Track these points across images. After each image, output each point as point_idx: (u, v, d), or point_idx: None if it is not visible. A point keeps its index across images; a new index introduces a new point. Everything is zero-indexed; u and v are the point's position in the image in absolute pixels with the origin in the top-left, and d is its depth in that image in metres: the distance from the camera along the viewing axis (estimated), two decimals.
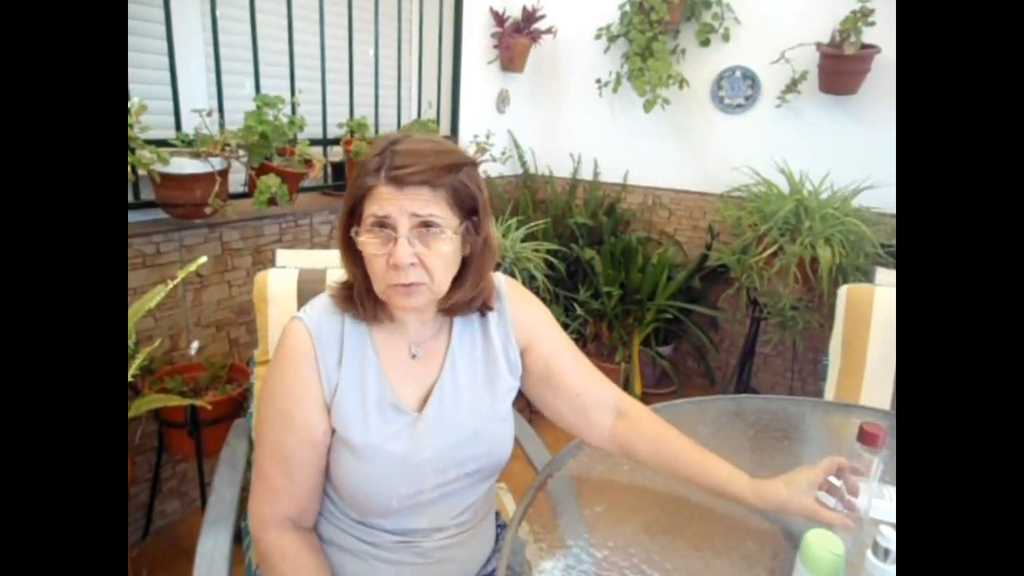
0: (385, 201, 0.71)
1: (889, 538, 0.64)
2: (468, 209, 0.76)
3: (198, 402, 1.34)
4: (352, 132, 1.95)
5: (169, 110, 1.53)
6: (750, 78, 2.45)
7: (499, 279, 0.90)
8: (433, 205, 0.72)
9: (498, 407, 0.86)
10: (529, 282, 2.18)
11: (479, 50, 2.53)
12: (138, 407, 1.25)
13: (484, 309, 0.86)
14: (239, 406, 1.54)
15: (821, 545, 0.65)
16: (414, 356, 0.83)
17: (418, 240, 0.72)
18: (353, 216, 0.75)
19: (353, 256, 0.78)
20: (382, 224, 0.72)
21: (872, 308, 1.40)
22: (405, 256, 0.71)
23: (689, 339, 2.74)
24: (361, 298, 0.79)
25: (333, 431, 0.79)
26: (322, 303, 0.82)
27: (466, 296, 0.81)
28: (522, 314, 0.89)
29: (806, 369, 2.54)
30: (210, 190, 1.45)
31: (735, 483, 0.80)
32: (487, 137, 2.38)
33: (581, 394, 0.89)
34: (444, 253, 0.74)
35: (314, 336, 0.78)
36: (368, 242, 0.73)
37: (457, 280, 0.79)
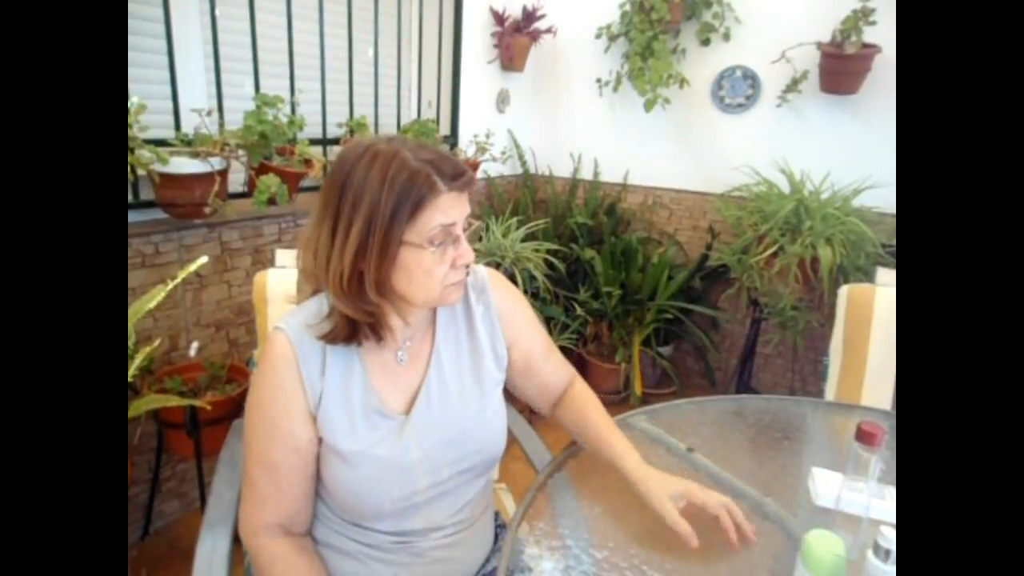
0: (451, 208, 0.72)
1: (890, 539, 0.64)
2: None
3: (197, 402, 1.34)
4: (352, 132, 1.94)
5: (168, 110, 1.53)
6: (751, 78, 2.45)
7: (481, 271, 0.91)
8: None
9: (487, 402, 0.86)
10: (529, 282, 2.18)
11: (479, 50, 2.53)
12: (138, 407, 1.24)
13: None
14: (238, 406, 1.54)
15: (822, 546, 0.65)
16: (400, 361, 0.83)
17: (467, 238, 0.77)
18: (391, 237, 0.69)
19: (369, 270, 0.71)
20: (446, 232, 0.73)
21: (873, 308, 1.40)
22: (471, 253, 0.76)
23: (689, 339, 2.74)
24: (378, 326, 0.77)
25: (320, 439, 0.78)
26: (304, 313, 0.79)
27: None
28: (508, 308, 0.90)
29: (807, 369, 2.54)
30: (209, 190, 1.45)
31: (624, 459, 0.85)
32: (487, 137, 2.37)
33: (550, 384, 0.97)
34: None
35: (295, 345, 0.77)
36: (430, 251, 0.72)
37: None
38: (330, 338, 0.76)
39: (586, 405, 0.96)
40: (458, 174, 0.72)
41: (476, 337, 0.87)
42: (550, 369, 0.97)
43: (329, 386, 0.78)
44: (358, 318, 0.74)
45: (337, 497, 0.79)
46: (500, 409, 0.88)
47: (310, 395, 0.77)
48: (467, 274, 0.79)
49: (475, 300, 0.88)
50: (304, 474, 0.79)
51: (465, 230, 0.76)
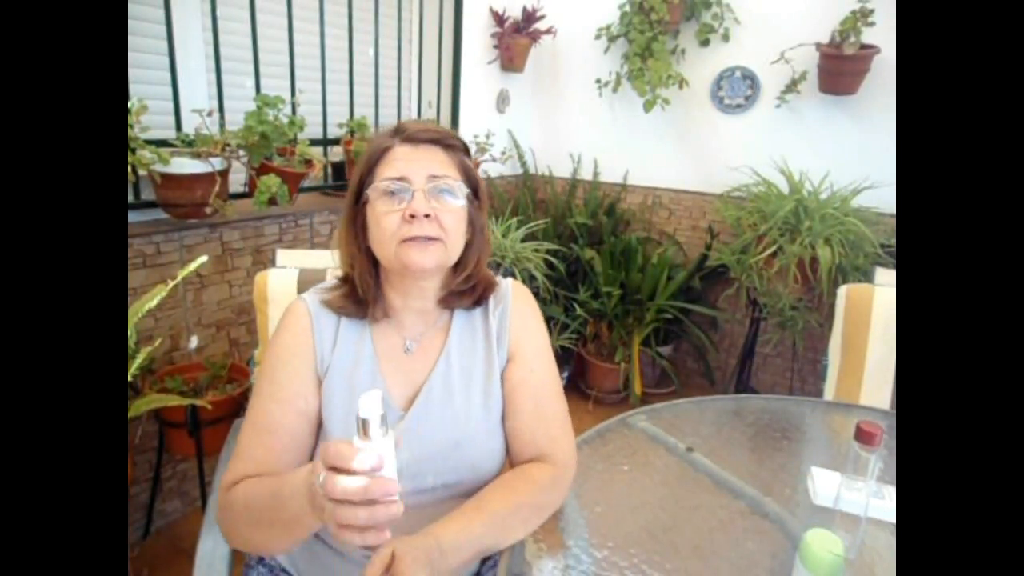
0: (401, 161, 0.75)
1: None
2: (472, 188, 0.81)
3: (198, 402, 1.34)
4: (352, 132, 1.95)
5: (169, 110, 1.53)
6: (750, 78, 2.45)
7: (506, 283, 0.89)
8: (447, 167, 0.78)
9: (490, 418, 0.82)
10: (529, 282, 2.18)
11: (479, 50, 2.54)
12: (138, 407, 1.25)
13: (482, 300, 0.85)
14: (239, 406, 1.54)
15: (821, 545, 0.65)
16: (407, 350, 0.82)
17: (433, 198, 0.75)
18: (361, 189, 0.78)
19: (355, 233, 0.79)
20: (398, 184, 0.74)
21: (872, 308, 1.40)
22: (422, 206, 0.73)
23: (689, 339, 2.74)
24: (363, 284, 0.79)
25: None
26: (325, 288, 0.83)
27: (461, 285, 0.82)
28: (519, 317, 0.86)
29: (806, 369, 2.55)
30: (210, 190, 1.45)
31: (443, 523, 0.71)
32: (487, 137, 2.38)
33: (517, 440, 0.82)
34: (456, 210, 0.77)
35: (313, 315, 0.79)
36: (379, 201, 0.75)
37: (456, 266, 0.82)
38: (339, 304, 0.79)
39: (505, 477, 0.79)
40: (416, 131, 0.77)
41: (491, 350, 0.83)
42: (533, 427, 0.81)
43: (337, 361, 0.78)
44: (361, 286, 0.79)
45: None
46: (500, 432, 0.83)
47: (319, 362, 0.78)
48: (427, 235, 0.74)
49: (493, 309, 0.85)
50: (300, 442, 0.76)
51: (433, 186, 0.75)
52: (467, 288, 0.82)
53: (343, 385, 0.77)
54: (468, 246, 0.82)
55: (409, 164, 0.75)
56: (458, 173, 0.79)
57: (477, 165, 2.38)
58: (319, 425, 0.78)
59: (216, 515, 0.76)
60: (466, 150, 0.83)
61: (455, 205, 0.77)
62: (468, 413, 0.81)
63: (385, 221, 0.74)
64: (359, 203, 0.78)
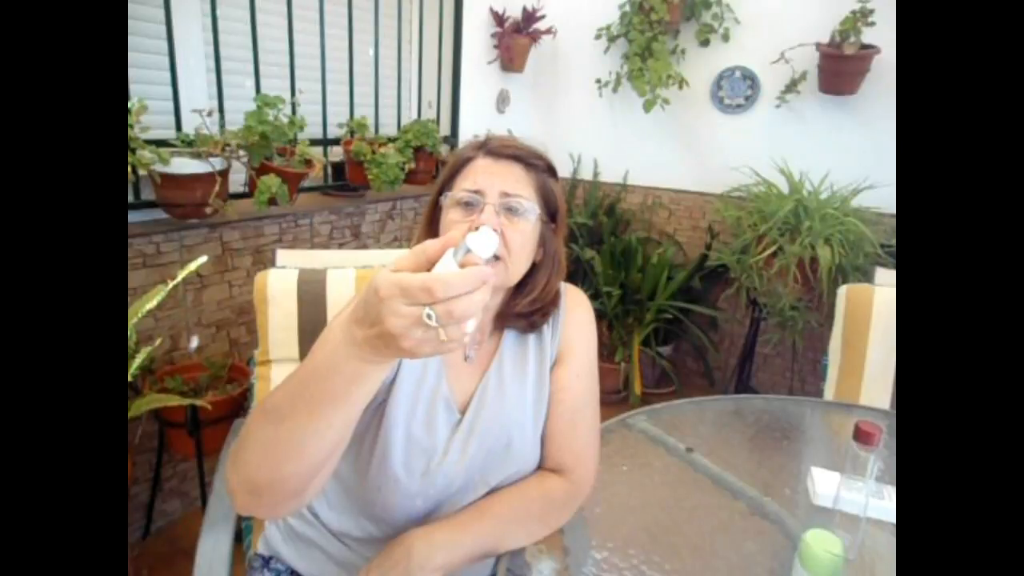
0: (480, 175, 0.75)
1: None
2: (550, 212, 0.80)
3: (198, 402, 1.34)
4: (352, 132, 1.95)
5: (169, 110, 1.53)
6: (750, 78, 2.45)
7: (562, 288, 0.88)
8: (522, 186, 0.76)
9: (539, 418, 0.83)
10: None
11: (479, 50, 2.53)
12: (138, 407, 1.25)
13: (537, 326, 0.83)
14: (239, 406, 1.54)
15: (820, 545, 0.65)
16: (468, 358, 0.82)
17: (503, 215, 0.74)
18: (441, 194, 0.78)
19: (431, 237, 0.72)
20: (471, 196, 0.74)
21: (872, 308, 1.40)
22: (491, 219, 0.72)
23: (689, 339, 2.74)
24: None
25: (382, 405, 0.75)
26: None
27: (525, 308, 0.80)
28: (574, 324, 0.86)
29: (806, 369, 2.55)
30: (210, 190, 1.45)
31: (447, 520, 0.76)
32: None
33: (545, 445, 0.84)
34: (524, 231, 0.75)
35: None
36: (452, 210, 0.75)
37: (519, 286, 0.80)
38: None
39: (511, 489, 0.80)
40: (499, 146, 0.77)
41: (543, 351, 0.84)
42: (563, 437, 0.82)
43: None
44: None
45: (373, 471, 0.76)
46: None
47: None
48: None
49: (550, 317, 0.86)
50: None
51: (505, 204, 0.74)
52: (528, 312, 0.81)
53: (411, 378, 0.76)
54: (536, 268, 0.80)
55: (486, 178, 0.74)
56: (534, 193, 0.77)
57: None
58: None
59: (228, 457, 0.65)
60: (551, 171, 0.81)
61: (523, 225, 0.75)
62: (521, 413, 0.81)
63: (453, 230, 0.73)
64: (433, 206, 0.79)
